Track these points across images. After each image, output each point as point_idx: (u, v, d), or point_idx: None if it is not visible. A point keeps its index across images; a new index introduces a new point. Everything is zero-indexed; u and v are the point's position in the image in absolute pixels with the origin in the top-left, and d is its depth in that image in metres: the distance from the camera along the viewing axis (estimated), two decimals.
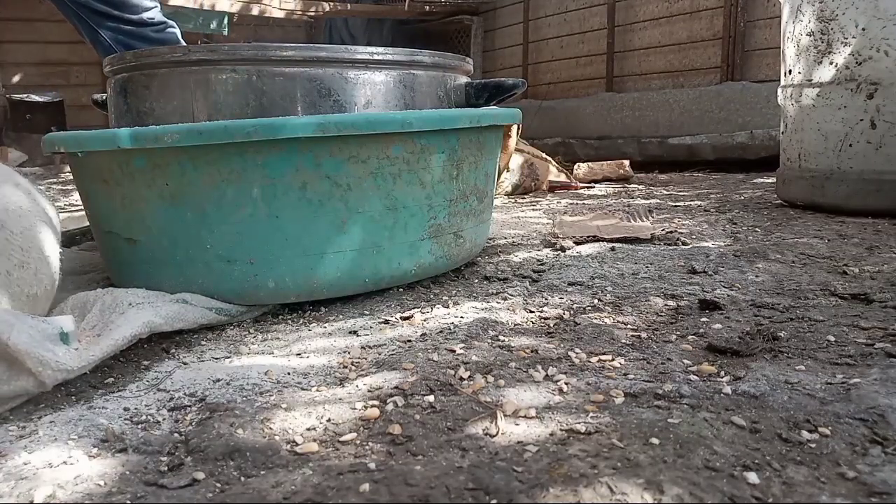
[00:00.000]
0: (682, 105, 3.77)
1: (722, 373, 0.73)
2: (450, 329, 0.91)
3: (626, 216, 1.79)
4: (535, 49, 5.27)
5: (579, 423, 0.61)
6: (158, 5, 1.85)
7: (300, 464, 0.56)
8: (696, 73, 4.00)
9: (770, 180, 2.73)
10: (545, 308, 1.00)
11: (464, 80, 1.26)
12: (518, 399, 0.67)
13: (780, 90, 2.00)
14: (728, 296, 1.03)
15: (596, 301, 1.03)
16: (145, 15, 1.79)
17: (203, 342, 0.90)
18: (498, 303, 1.03)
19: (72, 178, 1.46)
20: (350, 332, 0.92)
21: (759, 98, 3.40)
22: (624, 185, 2.97)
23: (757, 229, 1.62)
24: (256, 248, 0.94)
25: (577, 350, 0.81)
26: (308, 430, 0.62)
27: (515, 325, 0.92)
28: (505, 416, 0.64)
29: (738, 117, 3.49)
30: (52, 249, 0.87)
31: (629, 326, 0.90)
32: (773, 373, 0.72)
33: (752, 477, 0.52)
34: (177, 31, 1.86)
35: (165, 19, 1.85)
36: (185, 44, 1.73)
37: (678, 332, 0.87)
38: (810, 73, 1.82)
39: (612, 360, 0.78)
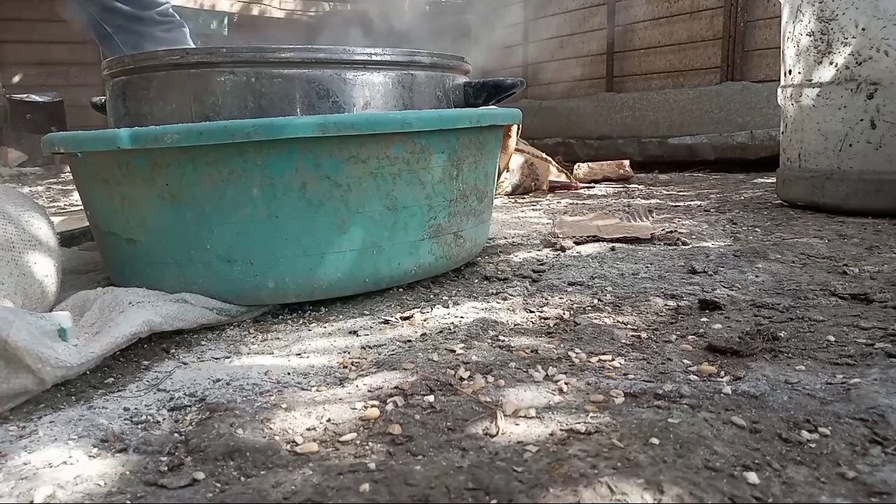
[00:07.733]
0: (682, 105, 3.78)
1: (722, 373, 0.73)
2: (450, 329, 0.91)
3: (626, 216, 1.79)
4: (535, 49, 5.27)
5: (579, 423, 0.61)
6: (169, 2, 1.85)
7: (300, 464, 0.56)
8: (696, 73, 4.00)
9: (770, 180, 2.73)
10: (545, 308, 1.00)
11: (462, 79, 1.26)
12: (518, 399, 0.67)
13: (779, 90, 2.00)
14: (728, 296, 1.02)
15: (596, 301, 1.03)
16: (156, 11, 1.78)
17: (203, 342, 0.90)
18: (498, 303, 1.03)
19: (72, 178, 1.46)
20: (350, 332, 0.92)
21: (759, 98, 3.40)
22: (624, 185, 2.97)
23: (757, 229, 1.62)
24: (256, 249, 0.94)
25: (577, 350, 0.81)
26: (308, 430, 0.63)
27: (515, 325, 0.92)
28: (505, 416, 0.64)
29: (738, 117, 3.49)
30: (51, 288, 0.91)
31: (629, 326, 0.90)
32: (773, 373, 0.72)
33: (752, 477, 0.52)
34: (187, 31, 1.85)
35: (176, 17, 1.84)
36: (193, 45, 1.73)
37: (678, 332, 0.87)
38: (810, 73, 1.82)
39: (612, 360, 0.78)
